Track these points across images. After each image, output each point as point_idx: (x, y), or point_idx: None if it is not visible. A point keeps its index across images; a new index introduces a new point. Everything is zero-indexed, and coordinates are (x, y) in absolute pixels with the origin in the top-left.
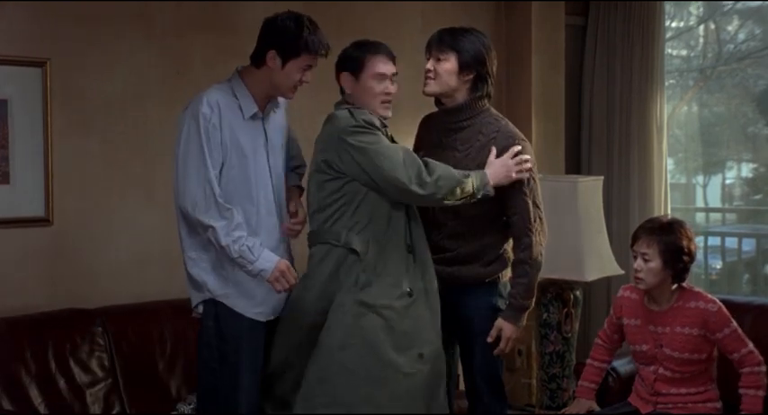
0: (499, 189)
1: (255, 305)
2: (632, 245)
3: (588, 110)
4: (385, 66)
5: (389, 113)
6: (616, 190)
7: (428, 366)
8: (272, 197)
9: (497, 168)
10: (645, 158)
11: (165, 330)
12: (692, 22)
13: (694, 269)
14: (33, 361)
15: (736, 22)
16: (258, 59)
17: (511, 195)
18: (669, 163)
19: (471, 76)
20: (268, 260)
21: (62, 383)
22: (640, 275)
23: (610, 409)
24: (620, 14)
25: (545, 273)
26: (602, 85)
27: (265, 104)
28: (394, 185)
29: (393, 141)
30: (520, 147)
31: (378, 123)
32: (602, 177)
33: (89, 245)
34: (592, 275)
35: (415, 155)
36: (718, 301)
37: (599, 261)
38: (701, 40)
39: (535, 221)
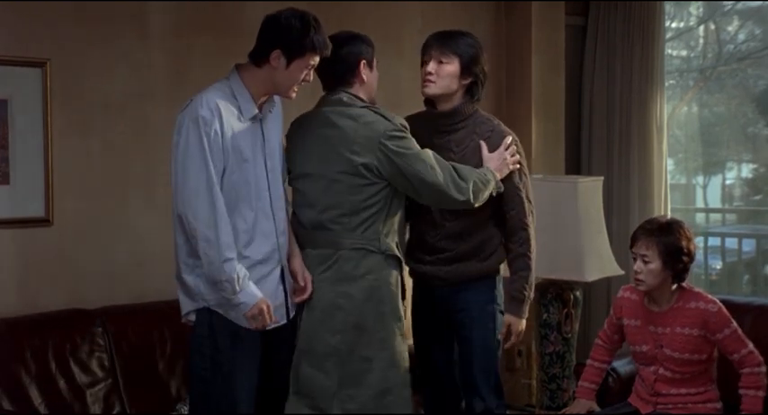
0: None
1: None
2: (631, 247)
3: (588, 110)
4: None
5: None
6: (616, 191)
7: None
8: (269, 201)
9: (497, 162)
10: (645, 158)
11: (165, 330)
12: (692, 23)
13: (694, 269)
14: (33, 361)
15: (736, 23)
16: (260, 58)
17: (507, 191)
18: (669, 164)
19: (469, 80)
20: (250, 294)
21: (62, 383)
22: (640, 276)
23: (610, 409)
24: (620, 15)
25: (545, 273)
26: (603, 86)
27: (262, 104)
28: (435, 190)
29: None
30: (511, 138)
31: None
32: (602, 177)
33: (89, 245)
34: (592, 275)
35: (443, 159)
36: (718, 301)
37: (599, 262)
38: (701, 41)
39: (529, 215)
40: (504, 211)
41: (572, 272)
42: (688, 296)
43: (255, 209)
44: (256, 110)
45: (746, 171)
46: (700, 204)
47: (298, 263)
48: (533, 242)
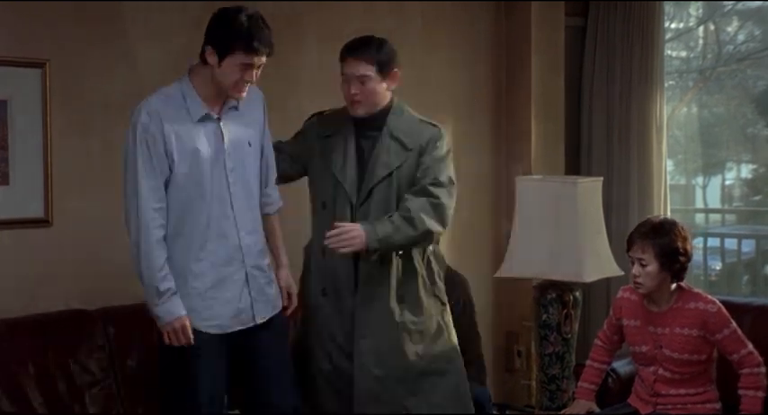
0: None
1: (202, 320)
2: (628, 251)
3: (588, 110)
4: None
5: None
6: (616, 191)
7: None
8: (229, 201)
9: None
10: (644, 159)
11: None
12: (691, 23)
13: (694, 270)
14: (33, 362)
15: (735, 23)
16: (201, 55)
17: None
18: (669, 164)
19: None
20: (167, 311)
21: (61, 384)
22: (639, 280)
23: (609, 410)
24: (619, 15)
25: (544, 274)
26: (602, 86)
27: (223, 102)
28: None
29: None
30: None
31: None
32: (602, 178)
33: (88, 246)
34: (591, 276)
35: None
36: (717, 302)
37: (598, 262)
38: (701, 41)
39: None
40: None
41: (571, 273)
42: (687, 297)
43: (210, 210)
44: (205, 111)
45: (746, 171)
46: (699, 204)
47: (283, 276)
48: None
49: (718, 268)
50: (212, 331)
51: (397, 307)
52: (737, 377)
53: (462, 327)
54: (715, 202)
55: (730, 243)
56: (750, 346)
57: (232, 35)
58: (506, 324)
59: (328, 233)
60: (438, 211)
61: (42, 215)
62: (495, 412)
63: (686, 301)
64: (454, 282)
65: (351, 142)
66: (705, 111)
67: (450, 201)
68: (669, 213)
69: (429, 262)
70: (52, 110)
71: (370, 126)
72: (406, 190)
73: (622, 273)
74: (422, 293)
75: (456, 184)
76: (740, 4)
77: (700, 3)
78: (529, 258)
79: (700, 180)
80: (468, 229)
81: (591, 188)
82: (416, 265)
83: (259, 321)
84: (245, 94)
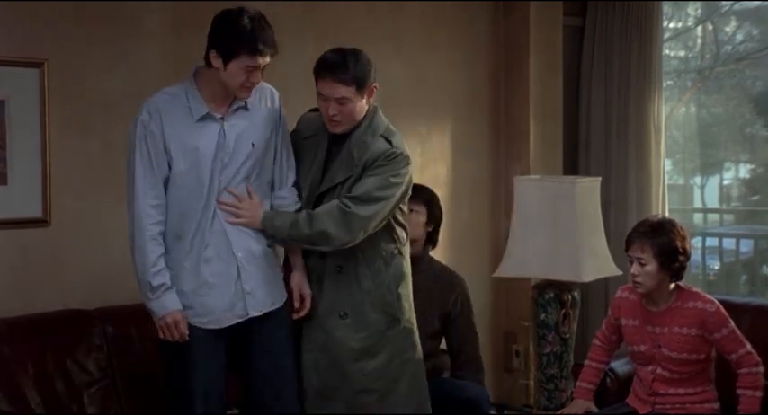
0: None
1: (197, 316)
2: (626, 250)
3: (586, 110)
4: None
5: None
6: (614, 191)
7: None
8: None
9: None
10: (643, 159)
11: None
12: (689, 23)
13: (692, 269)
14: (31, 362)
15: (733, 23)
16: (206, 58)
17: None
18: (667, 164)
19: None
20: (161, 305)
21: (59, 383)
22: (638, 279)
23: (608, 409)
24: (617, 15)
25: (543, 274)
26: (600, 86)
27: (230, 102)
28: None
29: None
30: None
31: None
32: (600, 178)
33: (87, 246)
34: (589, 276)
35: None
36: (716, 301)
37: (597, 262)
38: (699, 41)
39: None
40: None
41: (570, 273)
42: (686, 296)
43: (208, 209)
44: (206, 110)
45: (744, 171)
46: (697, 204)
47: (295, 278)
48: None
49: (716, 267)
50: (208, 326)
51: (338, 323)
52: (736, 377)
53: (460, 327)
54: (713, 202)
55: (728, 243)
56: (748, 345)
57: (235, 38)
58: (504, 324)
59: (227, 199)
60: (345, 218)
61: (41, 215)
62: (493, 412)
63: (685, 300)
64: (452, 282)
65: (322, 148)
66: (703, 111)
67: (362, 212)
68: (667, 213)
69: (381, 278)
70: (50, 110)
71: (341, 134)
72: None
73: (621, 273)
74: (367, 308)
75: (385, 201)
76: (738, 5)
77: (698, 3)
78: (527, 258)
79: (698, 179)
80: (467, 229)
81: (589, 188)
82: (363, 280)
83: (253, 314)
84: (251, 95)
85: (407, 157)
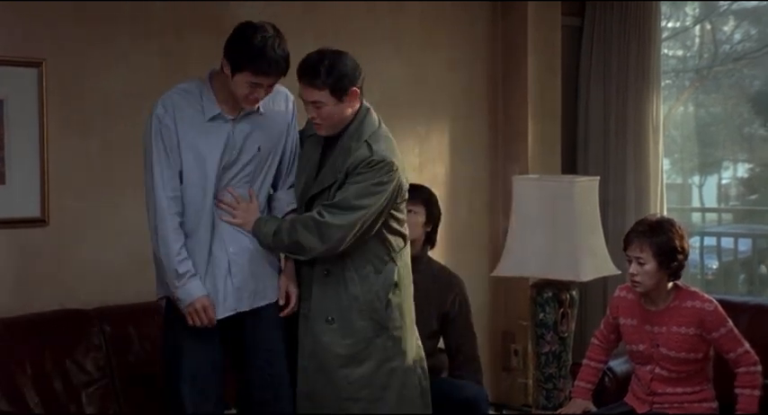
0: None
1: None
2: (625, 249)
3: (584, 110)
4: None
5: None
6: (612, 191)
7: None
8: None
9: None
10: (641, 158)
11: (161, 331)
12: (688, 23)
13: (690, 269)
14: (29, 361)
15: (731, 23)
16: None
17: None
18: (665, 164)
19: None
20: (187, 292)
21: (58, 383)
22: (637, 278)
23: (606, 409)
24: (616, 15)
25: (541, 273)
26: (599, 86)
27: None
28: None
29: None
30: None
31: None
32: (599, 177)
33: (85, 245)
34: (588, 275)
35: None
36: (714, 300)
37: (595, 262)
38: (697, 41)
39: None
40: None
41: (568, 272)
42: (684, 295)
43: (204, 205)
44: (218, 110)
45: (742, 170)
46: (696, 204)
47: (283, 277)
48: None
49: (714, 267)
50: None
51: (325, 328)
52: (734, 376)
53: (458, 327)
54: (711, 201)
55: (727, 242)
56: (746, 345)
57: (243, 54)
58: (503, 323)
59: (228, 198)
60: (319, 228)
61: (39, 214)
62: (491, 412)
63: (683, 300)
64: (450, 283)
65: (318, 149)
66: (701, 111)
67: (338, 221)
68: (666, 212)
69: (370, 284)
70: (49, 110)
71: (336, 136)
72: None
73: (619, 272)
74: (354, 315)
75: (365, 210)
76: (736, 4)
77: (696, 2)
78: (525, 257)
79: (696, 179)
80: (466, 228)
81: (587, 187)
82: (351, 286)
83: (241, 309)
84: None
85: (390, 163)
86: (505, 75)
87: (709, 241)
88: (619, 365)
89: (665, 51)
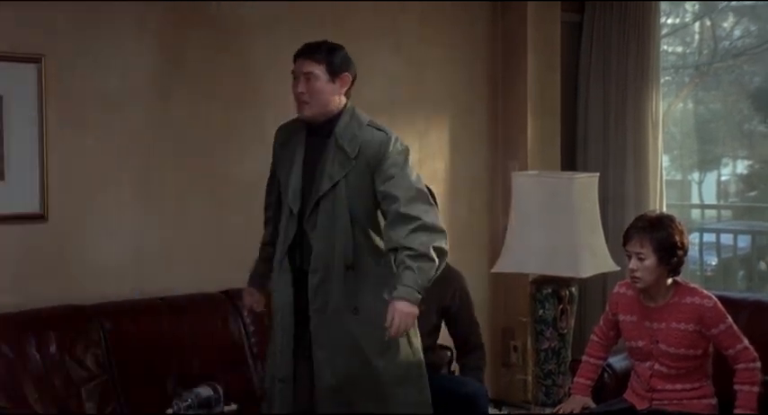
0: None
1: None
2: (625, 245)
3: (584, 106)
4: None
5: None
6: (612, 187)
7: None
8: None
9: None
10: (640, 155)
11: (160, 327)
12: (687, 19)
13: (690, 265)
14: (29, 358)
15: (731, 19)
16: None
17: None
18: (665, 160)
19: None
20: None
21: (57, 379)
22: (637, 274)
23: (605, 405)
24: (615, 11)
25: (540, 270)
26: (598, 82)
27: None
28: None
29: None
30: None
31: None
32: (598, 174)
33: (84, 242)
34: (587, 271)
35: None
36: (713, 297)
37: (594, 258)
38: (697, 37)
39: None
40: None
41: (567, 268)
42: (683, 292)
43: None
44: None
45: (742, 167)
46: (695, 200)
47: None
48: None
49: (713, 263)
50: None
51: (351, 319)
52: (733, 372)
53: (463, 319)
54: (711, 198)
55: (726, 239)
56: (746, 341)
57: None
58: (502, 320)
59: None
60: (428, 229)
61: (38, 210)
62: (491, 408)
63: (682, 296)
64: (449, 277)
65: (300, 150)
66: (701, 107)
67: (425, 207)
68: (665, 208)
69: (388, 275)
70: (48, 106)
71: (319, 133)
72: (356, 198)
73: (618, 268)
74: (376, 304)
75: (421, 184)
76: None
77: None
78: (525, 253)
79: (696, 175)
80: (465, 225)
81: (587, 183)
82: (371, 277)
83: None
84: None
85: (398, 138)
86: (505, 71)
87: (709, 237)
88: (618, 361)
89: (665, 48)
